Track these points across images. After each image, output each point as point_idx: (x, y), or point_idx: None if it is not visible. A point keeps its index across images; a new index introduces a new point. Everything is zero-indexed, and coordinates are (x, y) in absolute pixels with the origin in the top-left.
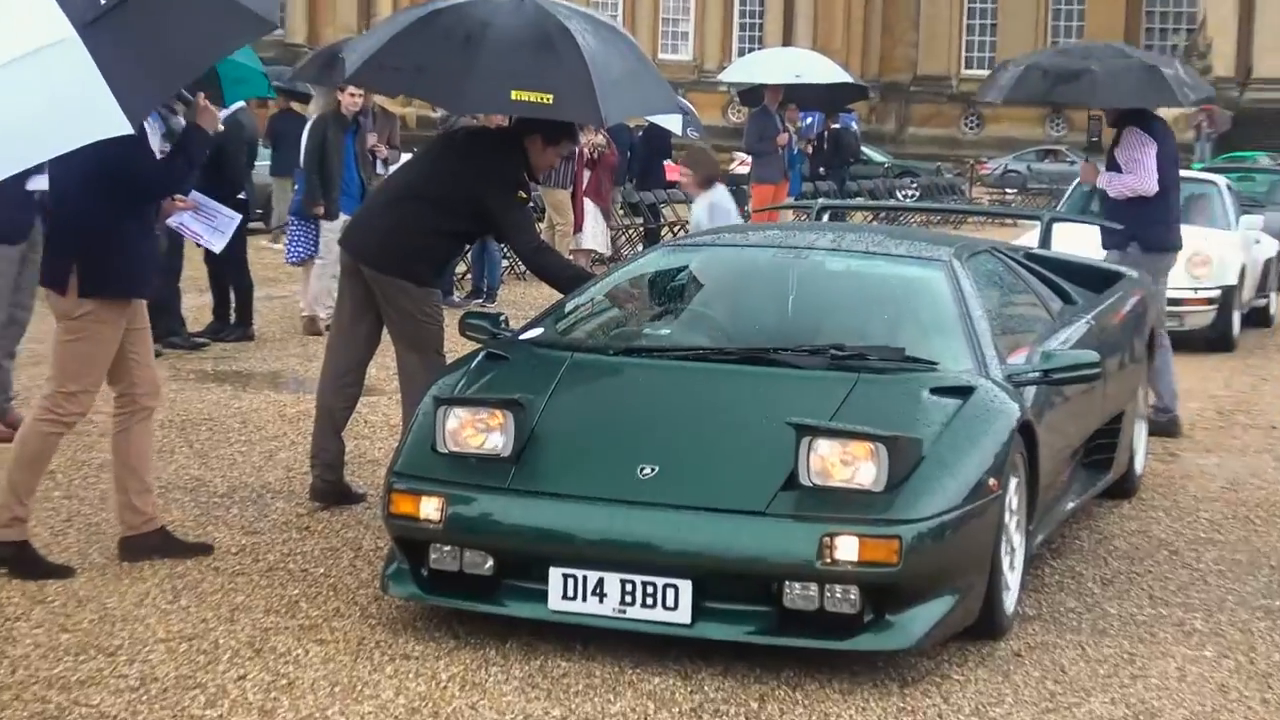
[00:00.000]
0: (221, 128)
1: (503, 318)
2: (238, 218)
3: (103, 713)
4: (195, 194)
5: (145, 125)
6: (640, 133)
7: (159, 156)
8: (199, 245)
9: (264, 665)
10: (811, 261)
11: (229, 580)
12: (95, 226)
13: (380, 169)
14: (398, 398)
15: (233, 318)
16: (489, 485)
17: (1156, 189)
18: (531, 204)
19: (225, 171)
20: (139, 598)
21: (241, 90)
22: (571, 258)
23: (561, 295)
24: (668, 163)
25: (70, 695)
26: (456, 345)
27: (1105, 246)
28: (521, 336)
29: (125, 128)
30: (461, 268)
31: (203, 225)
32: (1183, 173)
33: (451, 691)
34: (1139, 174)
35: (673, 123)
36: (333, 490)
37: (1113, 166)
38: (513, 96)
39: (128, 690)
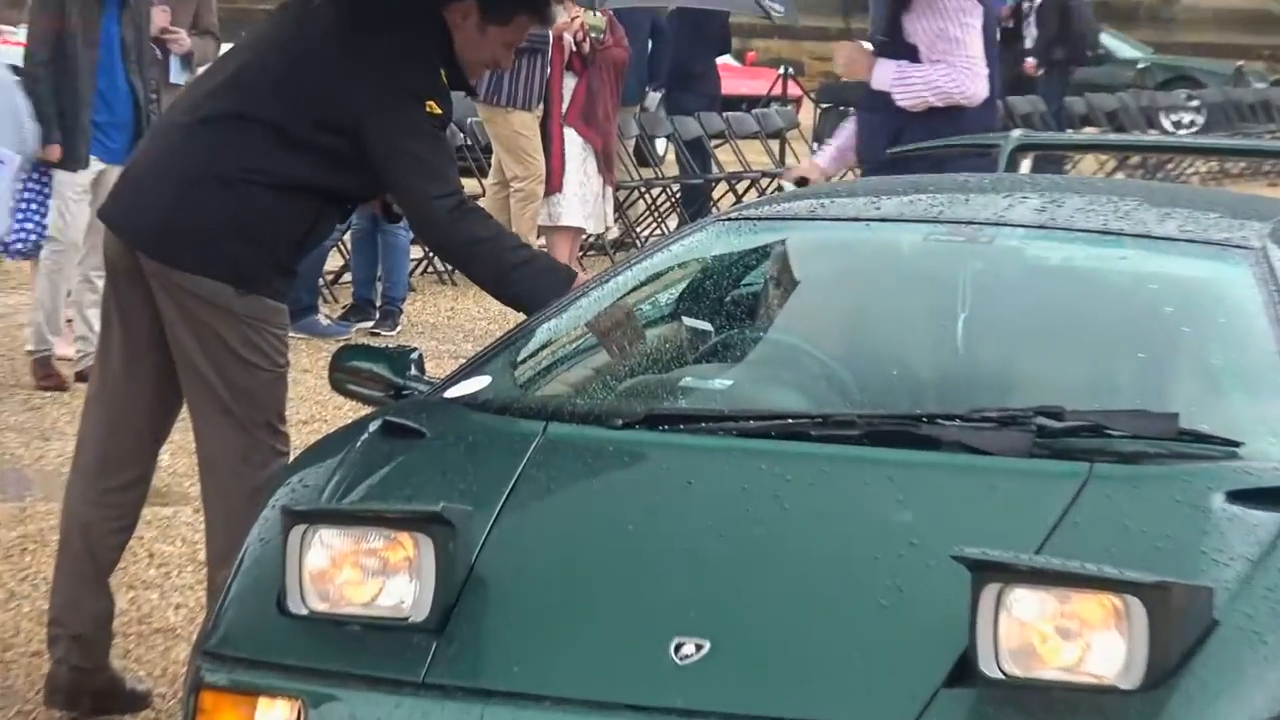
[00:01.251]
0: None
1: (414, 357)
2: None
3: None
4: None
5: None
6: (672, 8)
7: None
8: None
9: None
10: (1000, 250)
11: None
12: None
13: (177, 73)
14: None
15: None
16: (388, 676)
17: (984, 93)
18: (458, 137)
19: None
20: None
21: None
22: (540, 241)
23: (518, 311)
24: (724, 61)
25: None
26: (325, 410)
27: None
28: (450, 393)
29: None
30: (336, 261)
31: None
32: None
33: None
34: (956, 64)
35: None
36: (90, 684)
37: (897, 51)
38: None
39: None
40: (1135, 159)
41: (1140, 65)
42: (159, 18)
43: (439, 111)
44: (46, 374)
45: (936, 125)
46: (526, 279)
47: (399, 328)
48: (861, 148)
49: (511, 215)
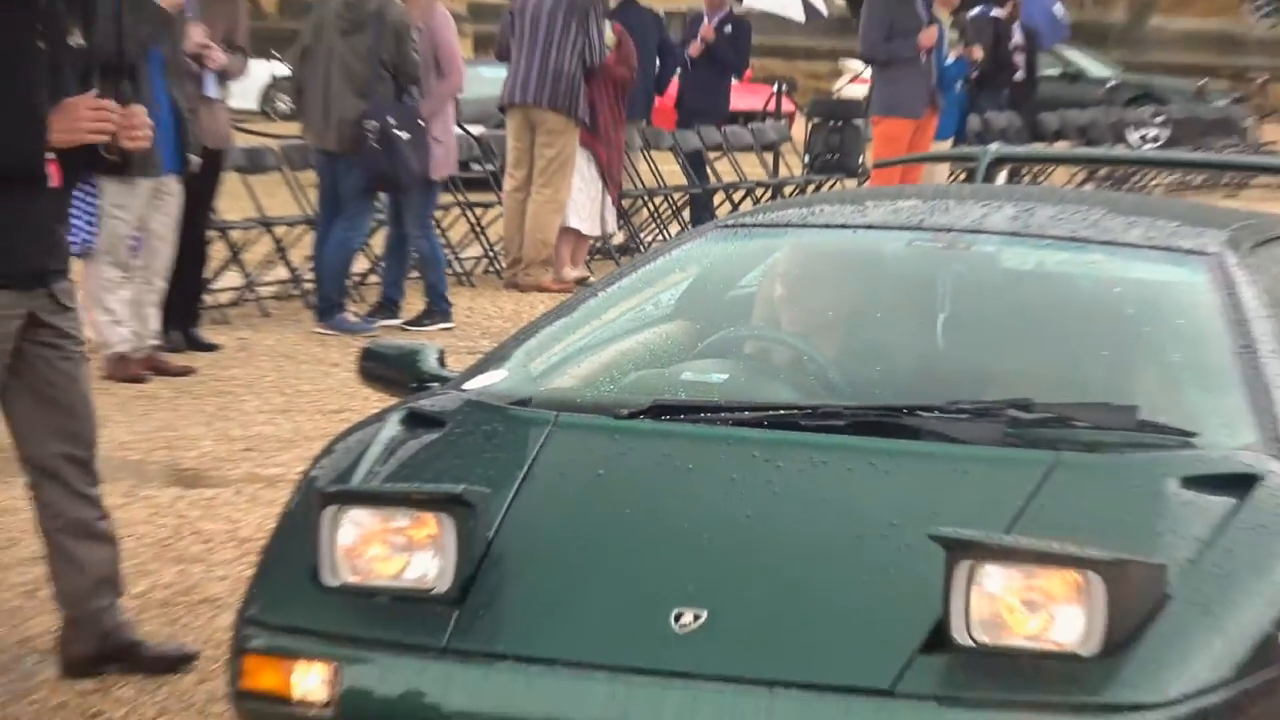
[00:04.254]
0: None
1: (435, 353)
2: None
3: None
4: None
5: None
6: (723, 22)
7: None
8: None
9: None
10: (977, 257)
11: None
12: None
13: (212, 87)
14: (248, 490)
15: None
16: (414, 643)
17: None
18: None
19: None
20: None
21: None
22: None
23: None
24: (739, 82)
25: None
26: (354, 401)
27: None
28: (468, 385)
29: None
30: (361, 264)
31: None
32: None
33: None
34: None
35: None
36: (100, 653)
37: None
38: None
39: None
40: (1103, 171)
41: (1110, 83)
42: (195, 34)
43: None
44: (120, 367)
45: None
46: None
47: (450, 324)
48: None
49: (537, 221)
